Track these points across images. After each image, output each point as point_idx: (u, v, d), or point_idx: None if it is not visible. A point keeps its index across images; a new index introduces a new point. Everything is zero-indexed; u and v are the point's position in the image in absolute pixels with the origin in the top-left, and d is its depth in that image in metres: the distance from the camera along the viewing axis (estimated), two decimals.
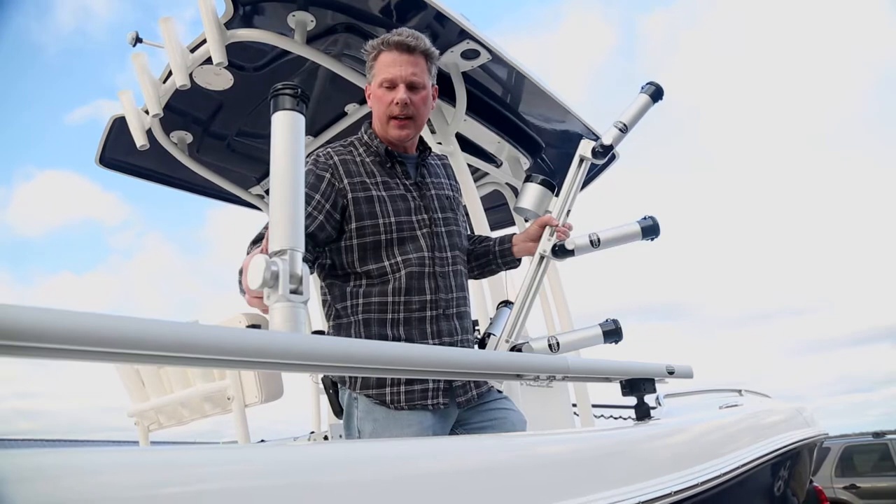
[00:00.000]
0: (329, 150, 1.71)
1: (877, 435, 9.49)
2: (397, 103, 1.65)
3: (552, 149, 3.45)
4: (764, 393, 3.21)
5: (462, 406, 1.67)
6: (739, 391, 2.91)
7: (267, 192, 3.42)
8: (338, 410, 1.69)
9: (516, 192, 3.42)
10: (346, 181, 1.64)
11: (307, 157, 1.68)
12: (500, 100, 2.96)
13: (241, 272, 1.33)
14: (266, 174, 3.37)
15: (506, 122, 3.09)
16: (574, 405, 3.02)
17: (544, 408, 2.78)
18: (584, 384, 2.95)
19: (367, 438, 1.55)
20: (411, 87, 1.66)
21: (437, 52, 1.74)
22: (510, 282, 2.95)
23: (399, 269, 1.63)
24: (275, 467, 0.72)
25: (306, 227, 1.52)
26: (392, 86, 1.66)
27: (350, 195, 1.63)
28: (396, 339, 1.61)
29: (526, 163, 3.35)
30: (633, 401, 1.63)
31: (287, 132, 1.04)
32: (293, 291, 0.95)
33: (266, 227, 1.45)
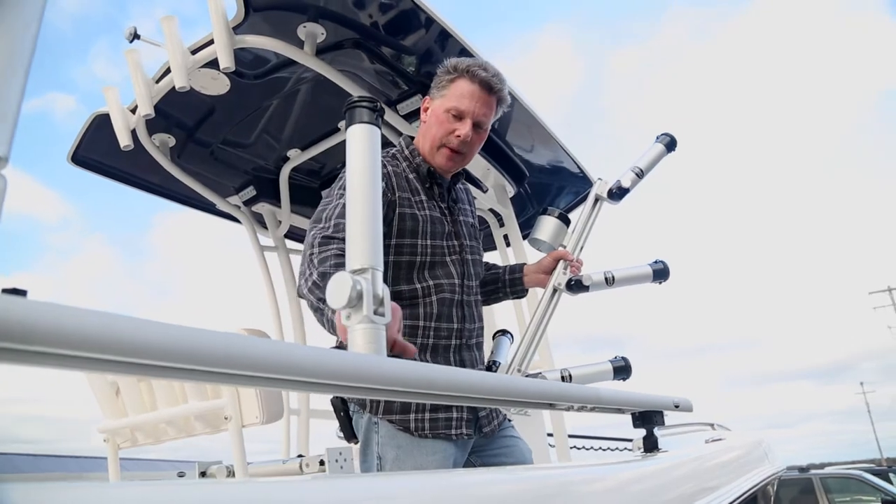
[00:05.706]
0: (382, 158, 1.66)
1: (802, 470, 9.98)
2: (458, 136, 1.62)
3: (531, 178, 3.47)
4: (727, 427, 3.30)
5: (487, 436, 1.64)
6: (712, 425, 2.97)
7: (245, 202, 3.31)
8: (350, 435, 1.62)
9: (500, 219, 3.44)
10: (397, 194, 1.59)
11: None
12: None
13: (319, 296, 1.24)
14: (245, 185, 3.27)
15: (495, 149, 3.10)
16: (550, 435, 3.02)
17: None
18: (561, 414, 2.95)
19: (389, 465, 1.49)
20: (477, 125, 1.64)
21: (510, 99, 1.73)
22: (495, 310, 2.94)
23: (430, 294, 1.59)
24: None
25: None
26: (460, 117, 1.62)
27: (398, 210, 1.58)
28: None
29: (511, 190, 3.37)
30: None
31: (364, 146, 1.01)
32: (376, 312, 0.91)
33: (332, 229, 1.39)
